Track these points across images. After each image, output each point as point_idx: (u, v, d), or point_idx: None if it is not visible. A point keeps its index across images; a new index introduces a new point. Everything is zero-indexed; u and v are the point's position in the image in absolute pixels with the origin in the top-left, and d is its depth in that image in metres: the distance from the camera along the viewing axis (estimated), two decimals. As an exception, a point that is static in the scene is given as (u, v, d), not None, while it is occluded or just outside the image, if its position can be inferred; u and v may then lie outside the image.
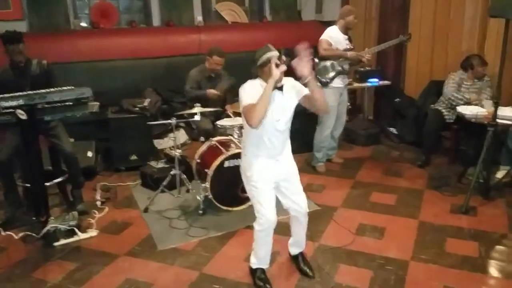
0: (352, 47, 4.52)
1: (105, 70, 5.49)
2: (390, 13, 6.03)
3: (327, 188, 4.33)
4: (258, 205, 2.58)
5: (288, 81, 2.53)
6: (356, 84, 5.73)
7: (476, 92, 4.58)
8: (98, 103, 3.41)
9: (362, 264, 3.05)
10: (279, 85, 2.45)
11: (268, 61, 2.39)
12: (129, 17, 6.37)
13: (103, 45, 5.60)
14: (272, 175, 2.58)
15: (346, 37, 4.50)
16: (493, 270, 2.97)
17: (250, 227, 3.48)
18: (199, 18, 6.52)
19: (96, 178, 4.63)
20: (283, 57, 2.37)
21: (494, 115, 3.77)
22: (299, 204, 2.71)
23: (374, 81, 5.73)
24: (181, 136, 5.55)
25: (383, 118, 6.10)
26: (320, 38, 4.44)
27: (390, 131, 5.77)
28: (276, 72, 2.33)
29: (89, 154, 4.60)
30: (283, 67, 2.35)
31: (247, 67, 6.00)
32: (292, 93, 2.54)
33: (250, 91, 2.41)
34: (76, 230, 3.43)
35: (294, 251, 3.01)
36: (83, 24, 6.03)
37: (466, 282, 2.83)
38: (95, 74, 5.35)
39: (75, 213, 3.58)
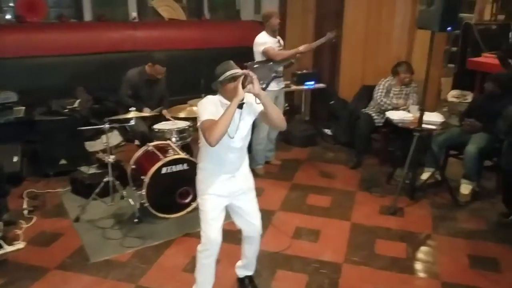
0: (282, 47, 4.61)
1: (32, 68, 5.17)
2: (325, 16, 6.18)
3: (266, 191, 4.38)
4: (204, 222, 2.48)
5: (247, 98, 2.41)
6: (293, 87, 5.85)
7: (403, 98, 4.84)
8: (24, 108, 3.21)
9: (298, 268, 3.14)
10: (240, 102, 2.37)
11: (233, 79, 2.30)
12: (58, 11, 6.04)
13: (30, 41, 5.28)
14: (227, 190, 2.51)
15: (276, 39, 4.59)
16: (420, 271, 3.17)
17: (189, 235, 3.50)
18: (133, 13, 6.33)
19: (23, 184, 4.35)
20: (250, 76, 2.24)
21: (420, 120, 4.01)
22: (254, 224, 2.64)
23: (310, 84, 5.87)
24: (115, 137, 5.34)
25: (318, 120, 6.27)
26: (262, 49, 4.42)
27: (325, 132, 5.95)
28: (242, 93, 2.23)
29: (15, 159, 4.31)
30: (250, 87, 2.23)
31: (183, 65, 5.98)
32: (249, 110, 2.47)
33: (210, 107, 2.33)
34: (2, 242, 3.24)
35: (242, 273, 2.88)
36: (8, 17, 5.64)
37: (396, 284, 3.00)
38: (21, 71, 5.04)
39: (0, 223, 3.36)
